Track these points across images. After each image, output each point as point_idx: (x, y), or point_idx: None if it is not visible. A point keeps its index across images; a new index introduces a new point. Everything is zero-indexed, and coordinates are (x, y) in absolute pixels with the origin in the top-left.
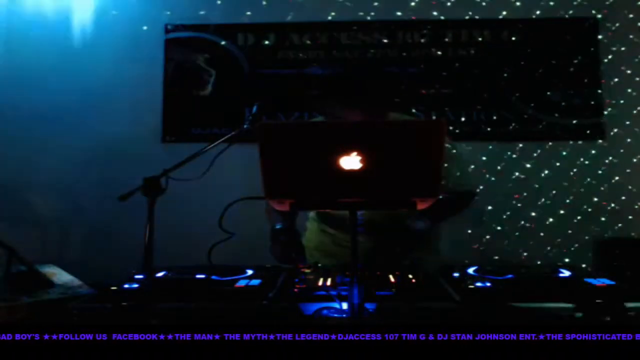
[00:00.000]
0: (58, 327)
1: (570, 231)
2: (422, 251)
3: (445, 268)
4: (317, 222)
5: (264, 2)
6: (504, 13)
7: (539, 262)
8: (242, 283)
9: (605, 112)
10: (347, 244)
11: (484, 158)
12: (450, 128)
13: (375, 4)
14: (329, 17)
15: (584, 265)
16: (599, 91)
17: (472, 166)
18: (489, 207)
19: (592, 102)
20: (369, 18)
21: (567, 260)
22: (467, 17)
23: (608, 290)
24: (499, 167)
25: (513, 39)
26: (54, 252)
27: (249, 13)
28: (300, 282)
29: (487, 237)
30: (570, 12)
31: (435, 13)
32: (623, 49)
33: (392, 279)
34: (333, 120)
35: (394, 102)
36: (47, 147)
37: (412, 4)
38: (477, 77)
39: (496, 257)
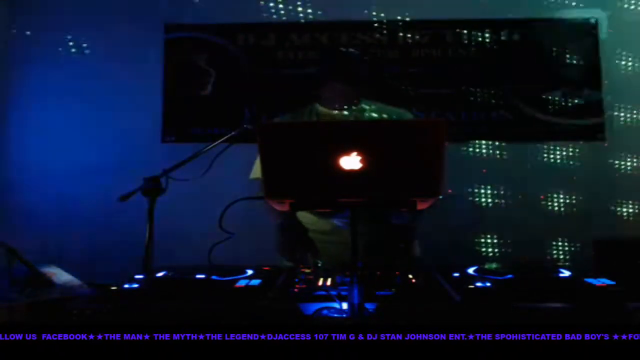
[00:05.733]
0: (58, 327)
1: (570, 231)
2: (399, 253)
3: (445, 268)
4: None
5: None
6: (504, 13)
7: (539, 262)
8: (242, 283)
9: (605, 112)
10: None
11: (483, 158)
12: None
13: (375, 4)
14: (329, 17)
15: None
16: (599, 91)
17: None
18: (488, 207)
19: (592, 102)
20: (369, 18)
21: (567, 260)
22: (467, 17)
23: (608, 290)
24: (498, 167)
25: (513, 39)
26: (54, 252)
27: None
28: (300, 282)
29: (486, 237)
30: (571, 12)
31: (435, 13)
32: (623, 48)
33: (392, 279)
34: (333, 120)
35: (373, 85)
36: (47, 147)
37: (412, 4)
38: (478, 77)
39: (495, 257)
